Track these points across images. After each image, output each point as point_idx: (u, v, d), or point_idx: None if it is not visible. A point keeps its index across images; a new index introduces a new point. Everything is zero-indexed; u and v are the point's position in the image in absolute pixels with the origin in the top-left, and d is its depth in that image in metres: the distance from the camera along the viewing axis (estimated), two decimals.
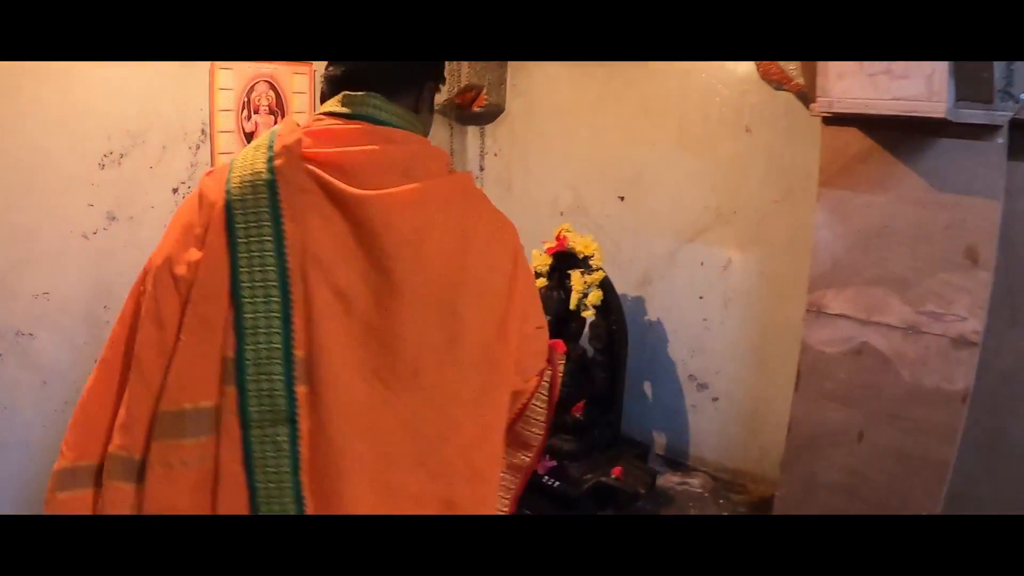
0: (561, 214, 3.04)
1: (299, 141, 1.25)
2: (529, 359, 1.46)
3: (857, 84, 1.69)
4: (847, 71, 1.70)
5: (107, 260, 2.32)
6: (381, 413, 1.24)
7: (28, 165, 2.13)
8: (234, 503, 1.20)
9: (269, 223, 1.21)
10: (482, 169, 3.34)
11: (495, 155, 3.28)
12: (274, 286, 1.21)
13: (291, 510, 1.20)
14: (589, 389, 2.48)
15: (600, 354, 2.53)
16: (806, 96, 2.21)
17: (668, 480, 2.64)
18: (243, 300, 1.21)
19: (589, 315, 2.50)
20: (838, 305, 1.97)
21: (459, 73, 2.98)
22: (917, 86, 1.61)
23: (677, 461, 2.77)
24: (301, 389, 1.21)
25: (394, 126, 1.32)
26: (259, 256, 1.21)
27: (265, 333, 1.21)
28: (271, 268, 1.21)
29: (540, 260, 2.61)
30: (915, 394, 1.86)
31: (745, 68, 2.41)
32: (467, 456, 1.32)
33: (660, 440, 2.83)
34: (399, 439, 1.26)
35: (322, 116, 1.33)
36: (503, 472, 1.53)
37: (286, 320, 1.21)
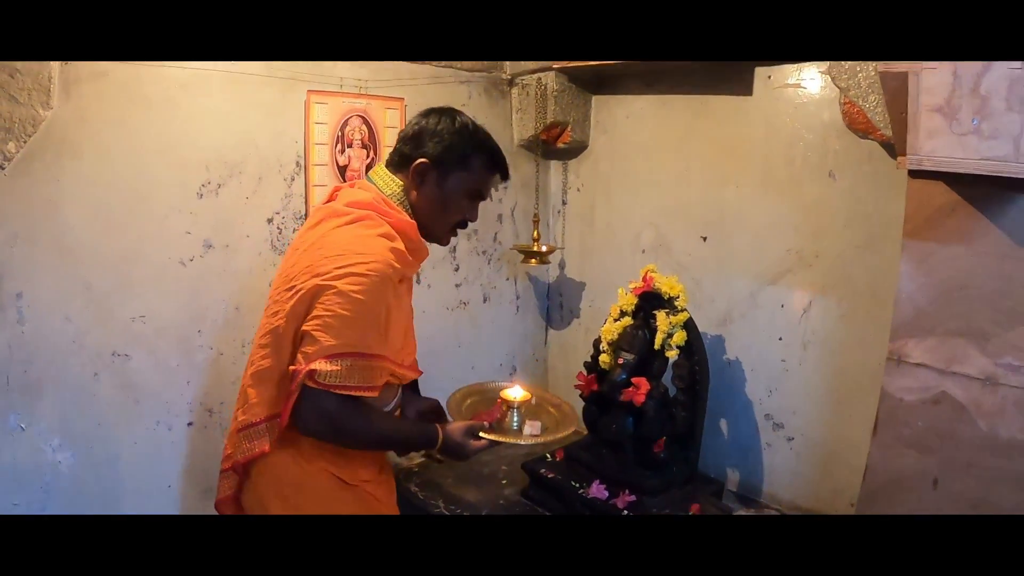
0: (643, 251, 3.10)
1: None
2: None
3: (946, 143, 1.72)
4: (936, 130, 1.73)
5: (203, 286, 2.43)
6: None
7: (131, 193, 2.24)
8: None
9: None
10: (564, 203, 3.42)
11: (578, 190, 3.36)
12: None
13: None
14: (671, 427, 2.52)
15: (682, 394, 2.57)
16: (891, 146, 2.24)
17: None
18: None
19: (673, 355, 2.55)
20: (918, 354, 1.98)
21: (545, 110, 3.04)
22: (1005, 147, 1.63)
23: (750, 498, 2.80)
24: None
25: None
26: None
27: None
28: None
29: (626, 300, 2.67)
30: (991, 444, 1.87)
31: (830, 115, 2.44)
32: None
33: (733, 477, 2.86)
34: None
35: None
36: None
37: None
